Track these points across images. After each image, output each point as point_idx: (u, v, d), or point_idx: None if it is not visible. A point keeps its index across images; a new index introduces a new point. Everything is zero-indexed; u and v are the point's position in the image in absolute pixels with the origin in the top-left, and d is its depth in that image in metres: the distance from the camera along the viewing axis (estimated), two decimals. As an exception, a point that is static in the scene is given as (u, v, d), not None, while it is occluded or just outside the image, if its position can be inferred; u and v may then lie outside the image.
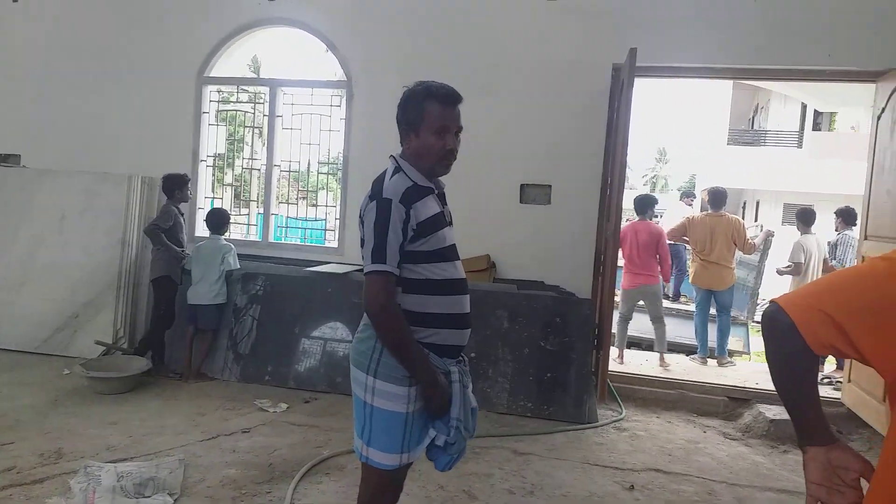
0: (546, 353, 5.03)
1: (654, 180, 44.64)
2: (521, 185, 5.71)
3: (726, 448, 4.54)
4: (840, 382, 5.62)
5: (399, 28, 5.87)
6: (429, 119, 2.11)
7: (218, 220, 5.63)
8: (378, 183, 2.12)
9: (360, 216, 2.15)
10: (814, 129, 20.24)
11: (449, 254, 2.18)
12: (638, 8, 5.37)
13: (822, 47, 5.08)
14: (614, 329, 6.49)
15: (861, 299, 1.14)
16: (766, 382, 5.50)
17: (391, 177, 2.12)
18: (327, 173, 7.02)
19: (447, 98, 2.15)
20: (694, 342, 7.06)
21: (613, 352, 6.38)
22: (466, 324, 2.22)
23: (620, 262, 6.42)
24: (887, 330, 1.10)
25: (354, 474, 2.23)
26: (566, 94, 5.53)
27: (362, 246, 2.12)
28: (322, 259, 6.01)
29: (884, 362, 1.13)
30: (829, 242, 6.82)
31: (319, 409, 4.78)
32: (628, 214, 7.13)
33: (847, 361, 5.74)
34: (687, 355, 7.06)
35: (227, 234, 5.86)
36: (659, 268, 6.66)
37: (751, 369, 6.33)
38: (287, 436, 4.21)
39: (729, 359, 6.70)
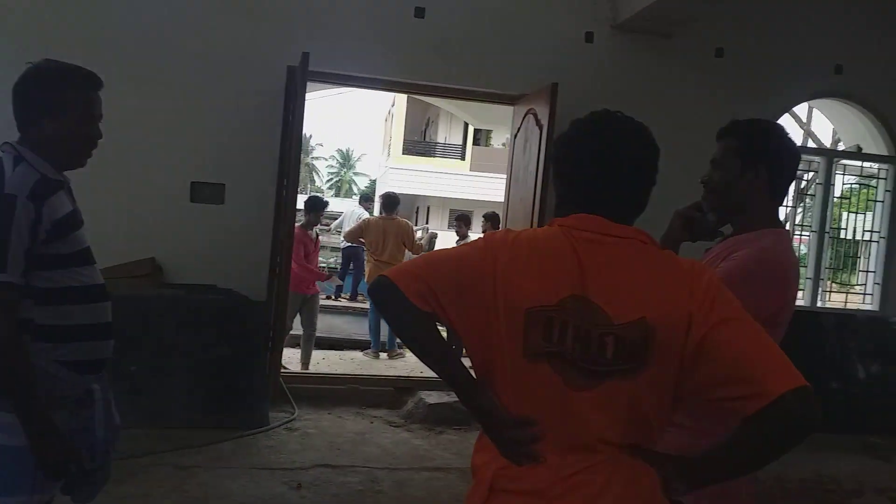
0: (218, 360, 4.80)
1: (340, 184, 46.04)
2: (192, 183, 5.37)
3: (391, 435, 4.86)
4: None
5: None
6: (76, 104, 1.85)
7: None
8: None
9: None
10: (474, 144, 22.95)
11: (88, 257, 1.95)
12: (311, 13, 5.41)
13: (473, 70, 5.65)
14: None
15: (449, 276, 1.33)
16: (427, 370, 6.02)
17: (13, 168, 1.81)
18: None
19: (95, 82, 1.91)
20: (369, 338, 7.45)
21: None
22: (109, 334, 2.00)
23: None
24: (464, 304, 1.32)
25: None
26: (239, 92, 5.33)
27: None
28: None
29: (462, 331, 1.35)
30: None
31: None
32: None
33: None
34: (361, 351, 7.42)
35: None
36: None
37: (417, 360, 6.88)
38: None
39: (399, 351, 7.19)
